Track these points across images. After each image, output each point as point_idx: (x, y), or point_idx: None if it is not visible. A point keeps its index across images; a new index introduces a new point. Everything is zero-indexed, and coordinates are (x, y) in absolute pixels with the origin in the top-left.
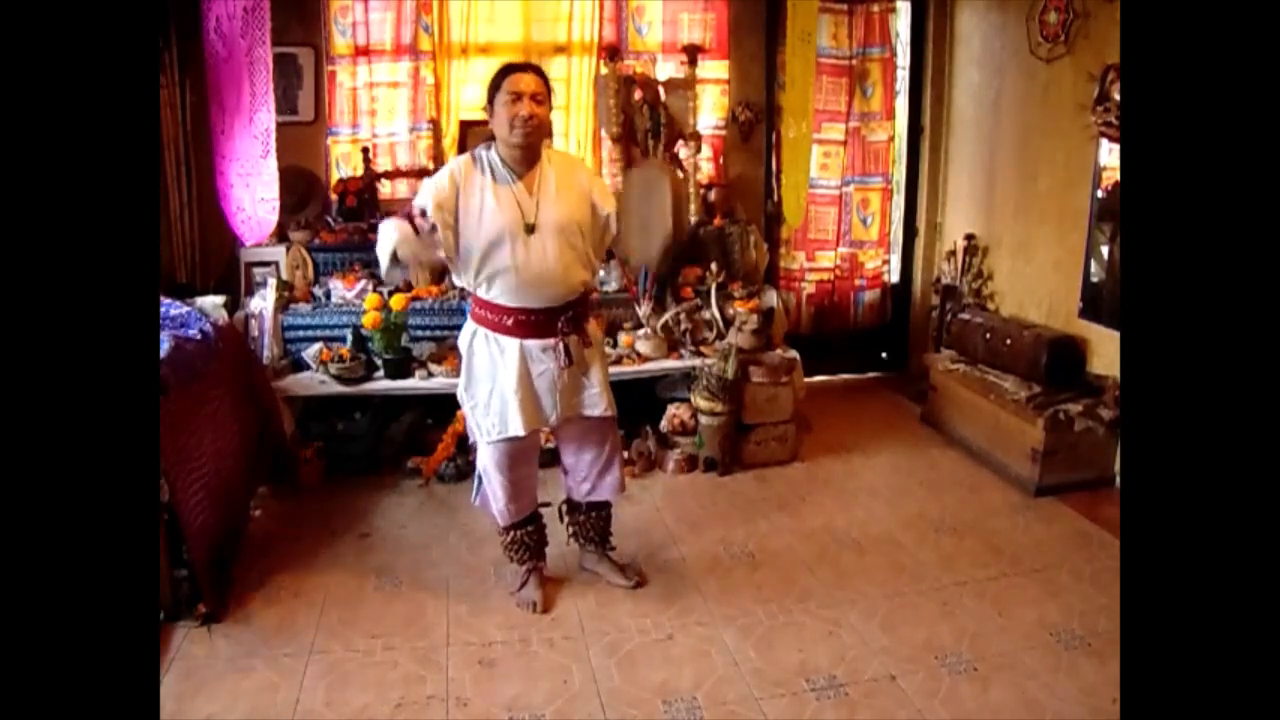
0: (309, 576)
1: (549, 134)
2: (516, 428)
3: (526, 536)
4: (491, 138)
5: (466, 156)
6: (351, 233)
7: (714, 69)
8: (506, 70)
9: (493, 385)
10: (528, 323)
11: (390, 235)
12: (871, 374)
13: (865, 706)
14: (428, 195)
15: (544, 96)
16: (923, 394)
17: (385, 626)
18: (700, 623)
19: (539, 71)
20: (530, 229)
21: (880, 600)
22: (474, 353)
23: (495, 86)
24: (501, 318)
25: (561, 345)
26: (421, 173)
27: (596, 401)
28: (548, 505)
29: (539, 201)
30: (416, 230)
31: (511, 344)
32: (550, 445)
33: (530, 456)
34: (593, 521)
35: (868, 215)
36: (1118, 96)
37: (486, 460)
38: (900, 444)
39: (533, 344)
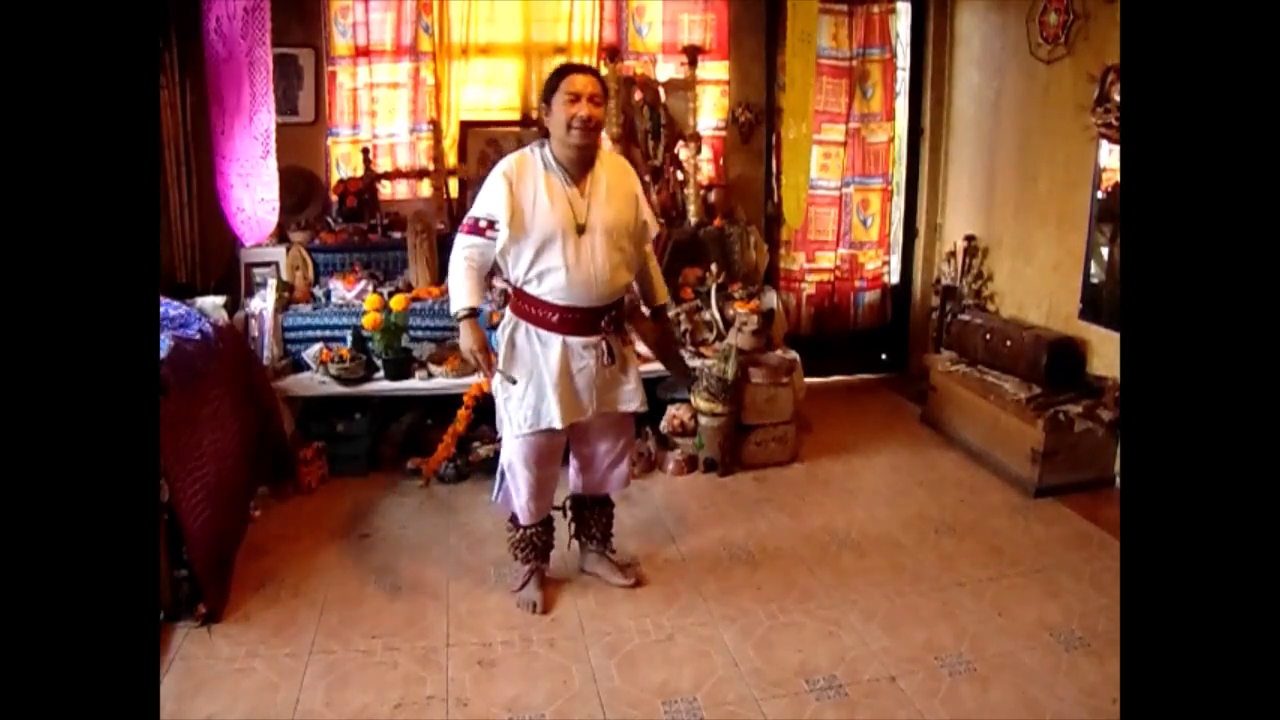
0: (309, 576)
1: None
2: (554, 420)
3: (536, 536)
4: (546, 135)
5: (520, 152)
6: (351, 233)
7: (714, 70)
8: (564, 71)
9: (530, 378)
10: (572, 320)
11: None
12: (871, 375)
13: (865, 707)
14: (496, 205)
15: (600, 98)
16: (923, 395)
17: (385, 626)
18: (700, 623)
19: (595, 73)
20: (581, 229)
21: (880, 601)
22: (515, 345)
23: (552, 88)
24: (547, 314)
25: (604, 344)
26: (422, 174)
27: (632, 397)
28: (557, 509)
29: (590, 203)
30: (482, 233)
31: (554, 339)
32: None
33: (556, 456)
34: (595, 520)
35: (868, 216)
36: (1118, 97)
37: (513, 455)
38: (900, 444)
39: (575, 340)
